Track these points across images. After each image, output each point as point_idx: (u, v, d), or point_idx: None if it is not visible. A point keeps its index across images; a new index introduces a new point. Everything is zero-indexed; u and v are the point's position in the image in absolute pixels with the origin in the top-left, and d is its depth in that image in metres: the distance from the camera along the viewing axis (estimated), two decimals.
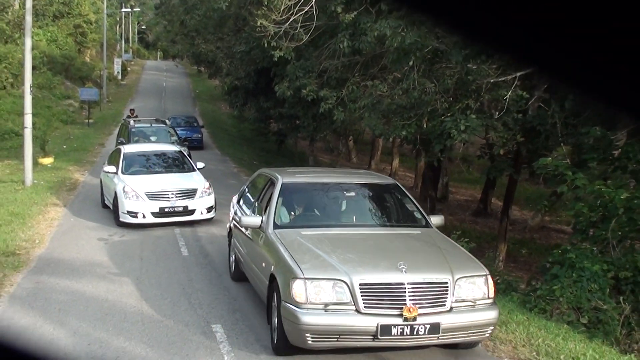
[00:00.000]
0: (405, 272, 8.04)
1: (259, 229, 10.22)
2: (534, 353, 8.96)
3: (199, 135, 39.27)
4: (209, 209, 18.78)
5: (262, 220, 10.19)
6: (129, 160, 20.12)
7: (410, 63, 17.93)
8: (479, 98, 18.00)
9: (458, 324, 8.12)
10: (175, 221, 18.18)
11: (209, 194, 19.01)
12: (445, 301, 8.11)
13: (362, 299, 7.91)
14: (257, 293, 10.56)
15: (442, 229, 10.84)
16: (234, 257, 12.60)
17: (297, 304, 7.96)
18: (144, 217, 17.95)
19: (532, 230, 30.67)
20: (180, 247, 15.54)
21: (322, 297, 7.97)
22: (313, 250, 8.99)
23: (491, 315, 8.39)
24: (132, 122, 29.19)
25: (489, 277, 8.57)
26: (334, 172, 14.65)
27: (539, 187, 30.43)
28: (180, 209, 18.30)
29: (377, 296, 7.99)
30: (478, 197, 34.63)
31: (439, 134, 17.88)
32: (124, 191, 18.20)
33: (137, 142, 25.41)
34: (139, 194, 18.16)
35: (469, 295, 8.30)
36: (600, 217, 13.35)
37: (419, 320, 7.83)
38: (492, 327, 8.50)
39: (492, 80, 15.19)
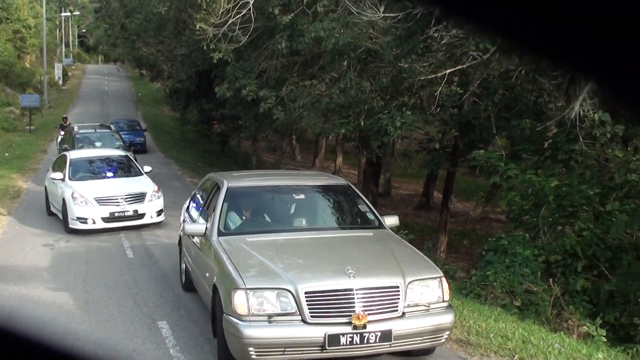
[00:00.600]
0: (353, 277, 7.54)
1: (203, 237, 9.60)
2: (465, 333, 9.31)
3: (142, 139, 39.15)
4: (159, 213, 18.66)
5: (206, 227, 9.53)
6: (75, 166, 19.80)
7: (345, 63, 18.39)
8: (413, 95, 18.50)
9: (411, 330, 7.71)
10: (126, 226, 18.02)
11: (158, 197, 18.84)
12: (397, 306, 7.65)
13: (309, 308, 7.45)
14: (205, 304, 9.72)
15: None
16: (184, 266, 11.89)
17: (239, 317, 7.47)
18: (94, 222, 17.74)
19: (473, 221, 31.19)
20: (125, 249, 15.68)
21: (266, 308, 7.50)
22: (257, 257, 8.42)
23: (447, 319, 7.93)
24: (76, 128, 28.95)
25: (444, 280, 8.11)
26: (283, 174, 14.23)
27: (479, 179, 31.00)
28: (130, 213, 18.12)
29: (324, 304, 7.53)
30: (420, 191, 35.15)
31: (376, 131, 18.29)
32: (72, 197, 17.94)
33: (81, 148, 25.20)
34: (88, 199, 17.91)
35: (423, 299, 7.85)
36: (531, 205, 13.89)
37: (370, 327, 7.41)
38: (448, 332, 8.06)
39: (422, 78, 15.63)
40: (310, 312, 7.46)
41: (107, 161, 20.96)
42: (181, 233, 12.59)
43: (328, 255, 8.72)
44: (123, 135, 32.03)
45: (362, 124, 19.26)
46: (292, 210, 10.49)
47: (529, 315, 10.94)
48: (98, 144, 27.12)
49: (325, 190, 11.01)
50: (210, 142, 42.68)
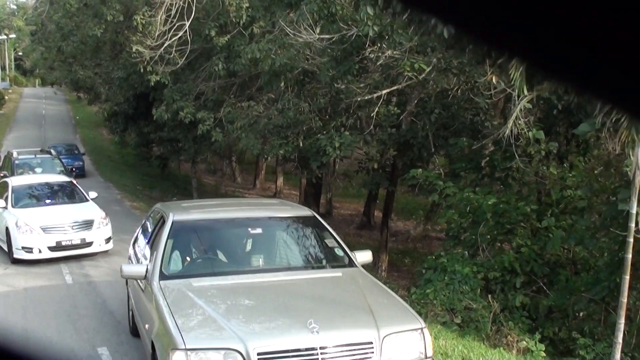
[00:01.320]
0: (316, 332, 6.34)
1: (144, 280, 8.20)
2: None
3: (81, 163, 38.78)
4: (107, 240, 17.80)
5: (147, 268, 8.13)
6: (18, 193, 18.87)
7: (283, 84, 18.43)
8: (351, 115, 18.58)
9: None
10: (74, 255, 17.14)
11: (106, 224, 18.02)
12: None
13: None
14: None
15: None
16: (131, 311, 10.32)
17: None
18: (40, 252, 16.85)
19: (414, 240, 31.35)
20: (64, 275, 15.52)
21: None
22: (202, 307, 7.14)
23: None
24: (15, 153, 28.51)
25: (426, 331, 6.92)
26: (238, 204, 12.65)
27: (419, 198, 31.21)
28: (78, 241, 17.24)
29: None
30: (361, 210, 35.25)
31: (315, 152, 18.34)
32: (16, 226, 17.11)
33: (21, 174, 24.61)
34: (33, 227, 17.04)
35: (402, 356, 6.69)
36: (470, 223, 14.00)
37: None
38: None
39: (359, 99, 15.70)
40: None
41: (51, 187, 20.08)
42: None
43: (287, 304, 7.48)
44: (61, 159, 31.64)
45: (301, 144, 19.27)
46: (248, 248, 9.14)
47: (469, 332, 11.01)
48: (38, 169, 26.61)
49: (286, 222, 9.58)
50: (150, 165, 42.37)
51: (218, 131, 22.41)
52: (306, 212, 9.99)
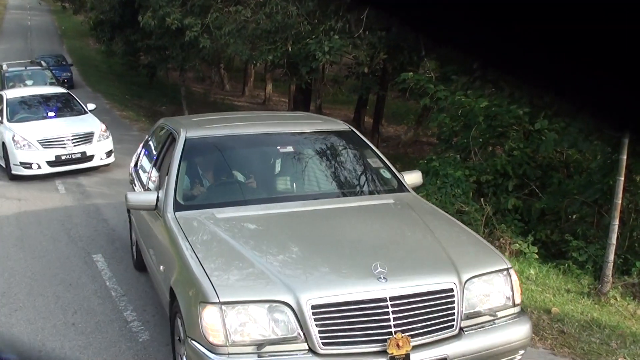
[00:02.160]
0: (384, 279, 5.08)
1: (155, 211, 6.94)
2: None
3: (69, 74, 38.54)
4: (108, 153, 17.49)
5: (158, 196, 6.83)
6: (13, 107, 18.34)
7: None
8: (340, 19, 18.27)
9: (473, 355, 5.33)
10: (74, 169, 16.93)
11: (107, 136, 17.69)
12: (453, 319, 5.29)
13: (319, 331, 5.00)
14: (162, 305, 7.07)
15: None
16: (135, 241, 9.42)
17: (212, 347, 5.01)
18: (39, 167, 16.56)
19: (405, 145, 31.29)
20: (57, 185, 15.57)
21: (252, 333, 5.04)
22: (234, 247, 5.74)
23: (521, 332, 5.58)
24: (4, 66, 28.11)
25: (512, 272, 5.66)
26: (259, 118, 9.83)
27: (409, 102, 31.01)
28: (78, 155, 16.93)
29: (343, 324, 5.07)
30: (351, 116, 35.11)
31: (304, 57, 18.16)
32: (13, 141, 16.75)
33: (12, 87, 24.06)
34: (31, 142, 16.71)
35: (486, 304, 5.51)
36: (462, 126, 13.88)
37: (414, 358, 5.06)
38: (522, 351, 5.69)
39: (348, 0, 15.40)
40: (322, 337, 5.01)
41: (48, 100, 19.44)
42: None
43: (341, 241, 5.97)
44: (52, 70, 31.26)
45: (290, 49, 19.04)
46: (277, 170, 7.86)
47: None
48: (29, 82, 26.30)
49: (321, 138, 8.10)
50: (138, 75, 42.01)
51: (206, 37, 22.06)
52: (342, 125, 8.38)
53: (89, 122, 18.07)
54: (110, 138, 17.77)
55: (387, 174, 7.63)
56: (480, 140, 13.44)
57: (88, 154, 17.08)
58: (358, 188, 7.60)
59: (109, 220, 12.19)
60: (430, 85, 14.44)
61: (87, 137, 17.26)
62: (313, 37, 17.88)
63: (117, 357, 6.97)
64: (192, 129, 7.84)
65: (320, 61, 17.68)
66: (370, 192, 7.44)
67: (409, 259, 5.72)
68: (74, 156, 16.92)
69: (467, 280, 5.35)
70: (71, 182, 15.93)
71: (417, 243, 6.12)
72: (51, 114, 18.49)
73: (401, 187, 7.35)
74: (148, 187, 8.31)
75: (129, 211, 9.71)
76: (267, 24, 18.81)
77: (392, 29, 19.06)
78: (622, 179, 8.53)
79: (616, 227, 8.71)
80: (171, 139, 8.01)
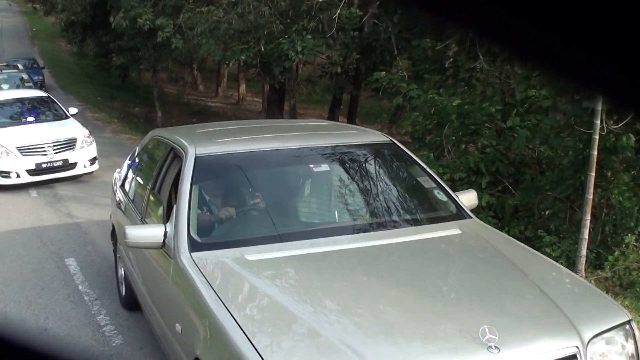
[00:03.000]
0: (496, 348, 3.82)
1: (163, 251, 5.48)
2: None
3: (41, 77, 38.20)
4: (92, 161, 16.39)
5: (165, 232, 5.37)
6: None
7: None
8: (313, 18, 18.29)
9: None
10: (56, 178, 15.88)
11: (90, 143, 16.59)
12: None
13: None
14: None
15: None
16: (123, 273, 8.10)
17: None
18: (18, 176, 15.47)
19: None
20: (29, 189, 15.45)
21: None
22: (282, 305, 4.35)
23: None
24: None
25: (634, 324, 4.54)
26: (278, 129, 7.84)
27: (383, 102, 31.04)
28: (60, 163, 15.83)
29: None
30: (326, 116, 35.10)
31: (277, 57, 18.18)
32: None
33: None
34: (9, 149, 15.62)
35: None
36: (435, 125, 13.89)
37: None
38: None
39: (321, 0, 15.43)
40: None
41: (27, 104, 18.22)
42: (110, 216, 9.14)
43: (422, 293, 4.70)
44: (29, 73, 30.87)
45: (263, 49, 19.04)
46: (311, 194, 6.50)
47: None
48: (5, 86, 25.46)
49: (360, 154, 6.73)
50: (110, 76, 41.79)
51: (178, 38, 21.97)
52: (381, 137, 7.00)
53: (71, 128, 17.00)
54: (94, 144, 16.75)
55: (441, 196, 6.25)
56: (454, 138, 13.46)
57: (70, 161, 16.03)
58: (414, 215, 6.12)
59: (81, 224, 12.13)
60: (403, 84, 14.45)
61: (69, 144, 16.20)
62: (286, 36, 17.91)
63: None
64: (202, 144, 6.27)
65: (293, 61, 17.71)
66: (430, 220, 5.96)
67: (517, 317, 4.38)
68: (55, 164, 15.88)
69: (589, 341, 4.21)
70: (42, 186, 15.74)
71: (518, 293, 4.74)
72: (30, 119, 17.39)
73: (461, 212, 6.04)
74: (144, 218, 6.75)
75: (113, 237, 8.63)
76: (240, 24, 18.79)
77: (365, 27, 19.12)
78: (593, 174, 8.60)
79: (588, 222, 8.79)
80: (173, 156, 6.59)
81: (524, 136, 11.60)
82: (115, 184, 8.94)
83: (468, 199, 6.34)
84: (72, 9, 35.58)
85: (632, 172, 10.23)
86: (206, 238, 5.48)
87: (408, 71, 17.25)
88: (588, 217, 8.75)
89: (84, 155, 16.27)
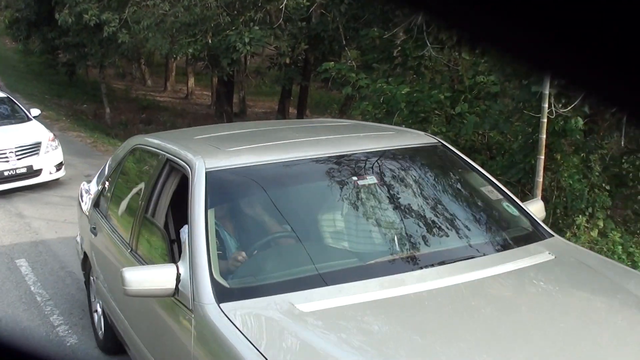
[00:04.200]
0: None
1: (175, 299, 4.25)
2: None
3: None
4: (58, 166, 14.91)
5: (178, 276, 4.17)
6: None
7: None
8: (260, 9, 18.24)
9: None
10: (19, 187, 14.34)
11: (56, 147, 15.09)
12: None
13: None
14: None
15: None
16: (101, 311, 6.82)
17: None
18: None
19: None
20: None
21: None
22: None
23: None
24: None
25: None
26: (298, 130, 6.67)
27: (332, 92, 31.09)
28: (24, 170, 14.28)
29: None
30: (276, 108, 35.07)
31: (225, 49, 18.08)
32: None
33: None
34: None
35: None
36: (384, 113, 13.93)
37: None
38: None
39: None
40: None
41: None
42: (83, 247, 7.60)
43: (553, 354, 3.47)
44: None
45: (210, 42, 18.93)
46: (358, 214, 4.95)
47: None
48: None
49: (407, 160, 5.42)
50: (57, 73, 41.23)
51: (124, 32, 21.70)
52: (425, 137, 5.81)
53: (35, 131, 15.36)
54: (60, 148, 15.28)
55: (512, 210, 5.13)
56: (404, 126, 13.50)
57: (35, 167, 14.47)
58: (489, 237, 4.86)
59: (31, 223, 11.96)
60: (352, 74, 14.48)
61: (33, 149, 14.66)
62: (233, 28, 17.84)
63: None
64: (210, 155, 4.96)
65: (241, 52, 17.65)
66: (510, 243, 4.77)
67: None
68: (18, 171, 14.28)
69: None
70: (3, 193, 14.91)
71: None
72: None
73: (538, 229, 4.95)
74: (135, 250, 5.40)
75: (84, 265, 7.50)
76: (186, 16, 18.65)
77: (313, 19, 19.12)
78: (543, 157, 8.70)
79: None
80: (169, 171, 5.35)
81: (473, 122, 11.68)
82: (84, 202, 7.69)
83: (537, 210, 5.26)
84: (16, 5, 35.10)
85: (581, 155, 10.35)
86: (235, 281, 4.22)
87: (357, 61, 17.28)
88: (539, 199, 8.84)
89: (49, 160, 14.76)
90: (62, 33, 29.99)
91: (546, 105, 8.48)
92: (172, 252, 4.93)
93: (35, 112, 16.71)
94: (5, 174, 14.07)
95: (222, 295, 3.93)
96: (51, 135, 15.41)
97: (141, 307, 4.93)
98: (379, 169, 5.21)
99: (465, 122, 11.97)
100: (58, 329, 7.60)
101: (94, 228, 6.80)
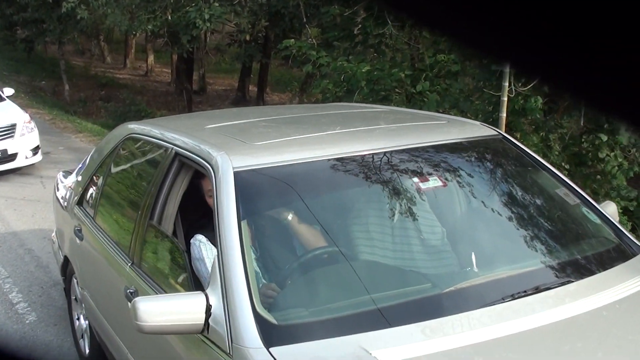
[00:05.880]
0: None
1: (204, 337, 3.28)
2: None
3: None
4: (35, 150, 13.85)
5: (208, 308, 3.19)
6: None
7: None
8: None
9: None
10: None
11: (32, 129, 13.96)
12: None
13: None
14: None
15: None
16: (86, 327, 5.98)
17: None
18: None
19: None
20: None
21: None
22: None
23: None
24: None
25: None
26: (340, 118, 5.59)
27: (293, 70, 31.03)
28: None
29: None
30: (236, 85, 34.95)
31: (185, 25, 17.97)
32: None
33: None
34: None
35: None
36: (345, 92, 13.95)
37: None
38: None
39: None
40: None
41: None
42: (59, 240, 6.80)
43: None
44: None
45: (170, 18, 18.80)
46: (422, 226, 4.01)
47: None
48: None
49: (470, 156, 4.56)
50: (15, 50, 40.65)
51: (83, 9, 21.46)
52: (483, 128, 4.82)
53: (9, 112, 14.15)
54: (36, 131, 14.16)
55: (592, 217, 4.23)
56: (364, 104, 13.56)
57: (10, 152, 13.39)
58: (580, 254, 3.95)
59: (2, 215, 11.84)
60: (312, 52, 14.45)
61: (7, 131, 13.57)
62: (193, 4, 17.72)
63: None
64: (237, 151, 3.98)
65: (201, 29, 17.56)
66: (608, 259, 3.90)
67: None
68: None
69: None
70: None
71: None
72: None
73: (623, 241, 4.03)
74: (138, 264, 4.45)
75: (63, 269, 6.63)
76: None
77: None
78: None
79: None
80: (179, 167, 4.37)
81: (434, 100, 11.74)
82: (64, 198, 6.64)
83: (612, 214, 4.33)
84: None
85: (541, 134, 10.44)
86: (283, 315, 3.29)
87: (317, 39, 17.26)
88: None
89: (25, 144, 13.65)
90: (21, 9, 29.64)
91: (507, 84, 8.56)
92: (192, 273, 3.92)
93: (9, 91, 15.36)
94: None
95: (270, 335, 3.04)
96: (27, 117, 14.21)
97: (148, 337, 3.72)
98: (441, 169, 4.27)
99: (426, 101, 12.01)
100: (17, 306, 7.55)
101: (79, 230, 5.77)
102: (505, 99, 8.57)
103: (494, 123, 9.52)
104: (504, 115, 8.62)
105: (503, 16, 0.85)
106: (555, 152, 10.24)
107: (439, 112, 12.49)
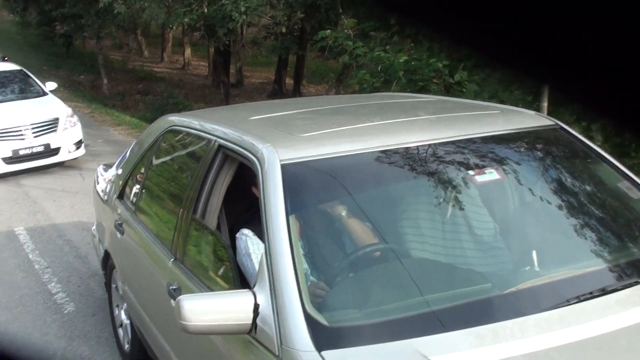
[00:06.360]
0: None
1: (252, 337, 3.14)
2: None
3: None
4: (77, 144, 13.78)
5: (256, 307, 3.06)
6: None
7: None
8: None
9: None
10: (36, 166, 13.32)
11: (74, 123, 13.90)
12: None
13: None
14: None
15: None
16: (129, 323, 5.86)
17: None
18: None
19: None
20: None
21: None
22: None
23: None
24: None
25: None
26: (385, 108, 5.36)
27: (329, 61, 30.95)
28: (41, 148, 13.25)
29: None
30: (272, 78, 34.97)
31: (221, 18, 18.02)
32: None
33: None
34: None
35: None
36: (382, 82, 13.87)
37: None
38: None
39: None
40: None
41: None
42: (100, 234, 6.75)
43: None
44: None
45: (206, 11, 18.86)
46: (478, 221, 3.80)
47: None
48: None
49: (527, 148, 4.38)
50: (54, 45, 41.11)
51: (120, 3, 21.61)
52: (538, 118, 4.55)
53: (52, 106, 14.18)
54: (79, 125, 14.08)
55: None
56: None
57: (53, 146, 13.40)
58: (626, 256, 3.65)
59: (30, 192, 11.95)
60: (349, 42, 14.41)
61: (50, 126, 13.55)
62: None
63: (42, 330, 6.83)
64: (283, 143, 3.83)
65: (237, 22, 17.61)
66: None
67: None
68: (35, 150, 13.26)
69: None
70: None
71: None
72: (3, 97, 14.46)
73: None
74: (181, 259, 4.32)
75: (104, 266, 6.58)
76: None
77: None
78: None
79: None
80: (222, 160, 4.23)
81: (472, 90, 11.65)
82: (105, 192, 6.58)
83: None
84: None
85: (583, 124, 10.31)
86: (335, 316, 3.12)
87: (353, 29, 17.21)
88: None
89: (67, 138, 13.61)
90: (59, 4, 29.92)
91: None
92: (238, 270, 3.77)
93: (52, 85, 15.38)
94: (21, 152, 13.12)
95: (322, 338, 2.87)
96: (69, 110, 14.18)
97: (193, 336, 3.52)
98: (497, 160, 4.07)
99: (465, 91, 11.93)
100: (56, 296, 7.60)
101: (120, 224, 5.67)
102: (547, 87, 8.45)
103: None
104: (545, 104, 8.49)
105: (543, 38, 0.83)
106: (597, 143, 10.10)
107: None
